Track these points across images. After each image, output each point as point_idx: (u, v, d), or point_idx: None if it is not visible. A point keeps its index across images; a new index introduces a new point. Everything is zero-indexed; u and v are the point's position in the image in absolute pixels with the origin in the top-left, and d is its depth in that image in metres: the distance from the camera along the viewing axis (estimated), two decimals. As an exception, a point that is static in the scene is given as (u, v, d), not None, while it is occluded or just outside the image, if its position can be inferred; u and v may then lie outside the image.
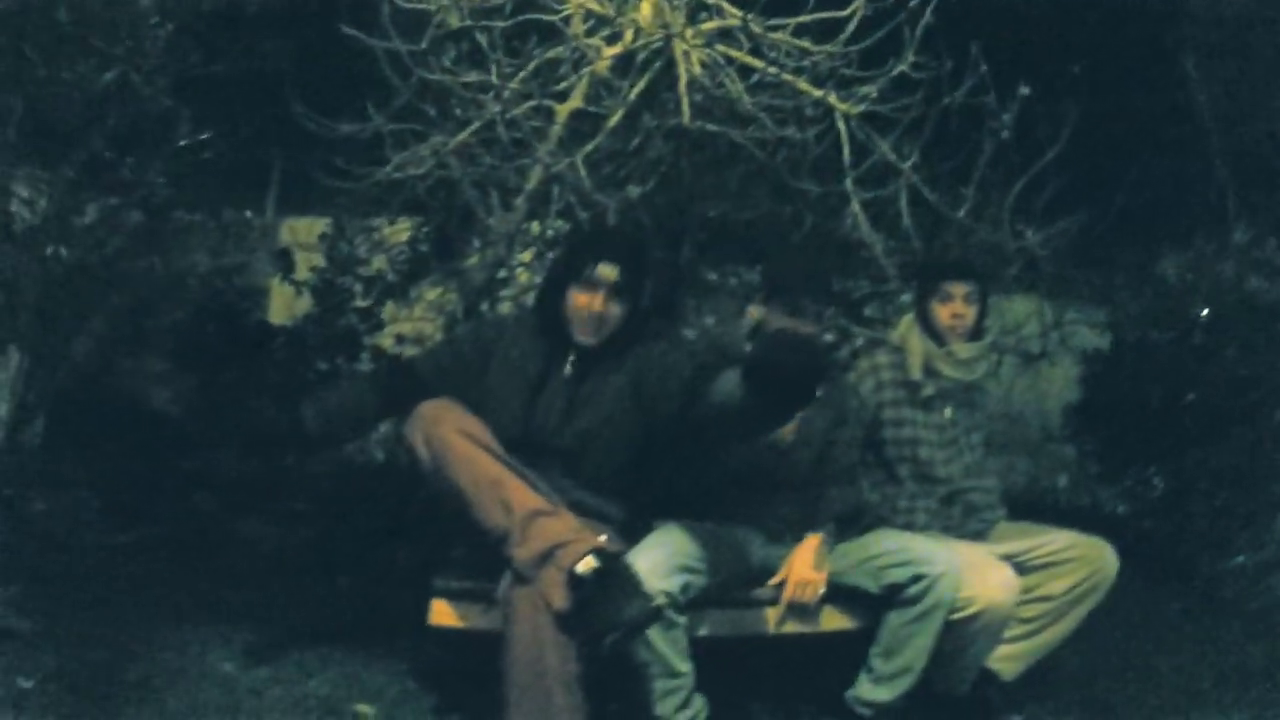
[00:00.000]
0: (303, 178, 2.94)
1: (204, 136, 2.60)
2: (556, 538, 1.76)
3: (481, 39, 2.30)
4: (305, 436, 2.09)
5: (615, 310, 2.01)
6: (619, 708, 2.05)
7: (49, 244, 2.32)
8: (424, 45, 2.27)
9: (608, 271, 1.98)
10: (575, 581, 1.70)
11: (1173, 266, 3.24)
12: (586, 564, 1.70)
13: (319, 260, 3.37)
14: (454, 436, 1.83)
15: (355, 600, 2.75)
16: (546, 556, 1.74)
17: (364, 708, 2.20)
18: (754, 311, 2.26)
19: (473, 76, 2.33)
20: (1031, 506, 3.92)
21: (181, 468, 2.85)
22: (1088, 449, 3.57)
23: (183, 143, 2.47)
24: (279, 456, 2.77)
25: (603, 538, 1.82)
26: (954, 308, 2.41)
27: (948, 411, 2.44)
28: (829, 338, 2.50)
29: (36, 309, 2.35)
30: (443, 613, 2.04)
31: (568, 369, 2.06)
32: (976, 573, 2.09)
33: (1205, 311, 3.18)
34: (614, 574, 1.70)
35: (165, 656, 2.33)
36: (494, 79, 2.29)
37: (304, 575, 2.84)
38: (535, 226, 3.12)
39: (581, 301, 2.00)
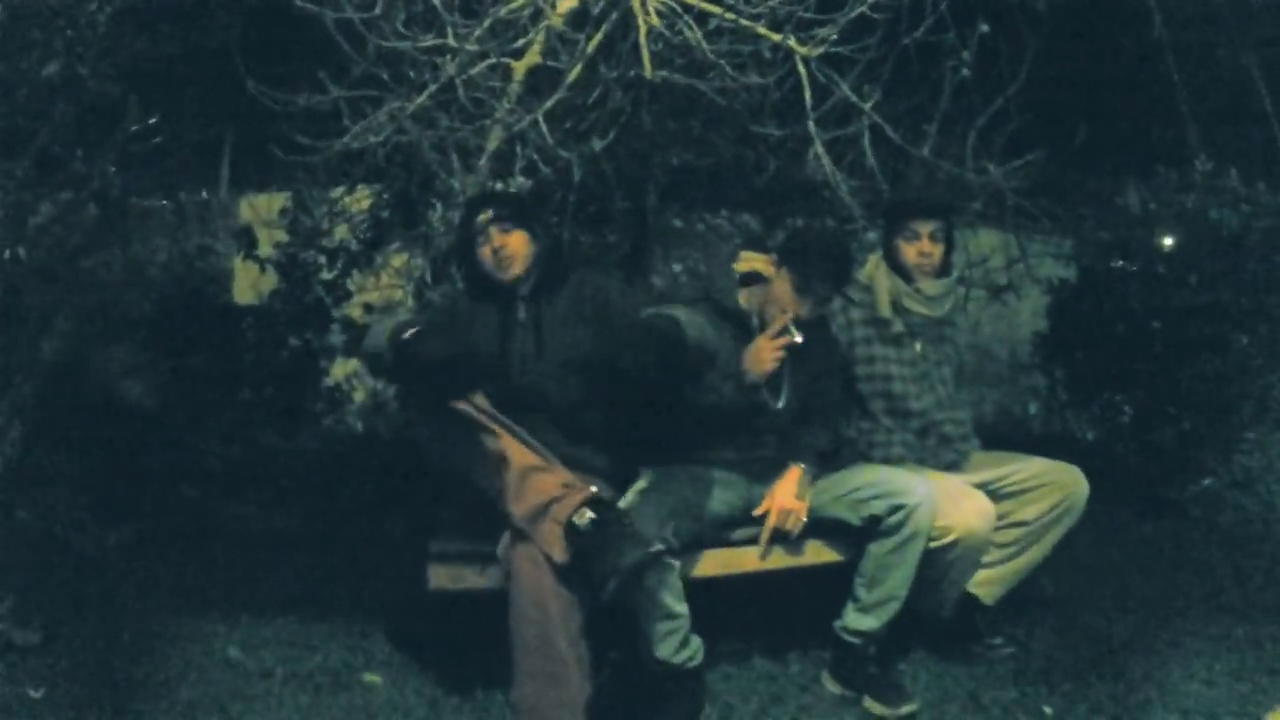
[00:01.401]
0: (257, 153, 2.92)
1: (152, 121, 2.58)
2: (551, 492, 1.83)
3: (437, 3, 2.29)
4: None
5: (514, 239, 2.20)
6: (619, 654, 2.16)
7: (6, 247, 2.30)
8: (377, 10, 2.26)
9: (487, 214, 2.21)
10: (573, 533, 1.78)
11: (1136, 197, 3.32)
12: (583, 515, 1.79)
13: (281, 235, 3.36)
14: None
15: (351, 572, 2.81)
16: (543, 510, 1.82)
17: (371, 677, 2.29)
18: (762, 264, 2.29)
19: (429, 40, 2.33)
20: (1004, 435, 4.07)
21: (163, 459, 2.88)
22: (1057, 377, 3.70)
23: (134, 128, 2.44)
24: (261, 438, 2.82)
25: (594, 488, 1.90)
26: (921, 246, 2.48)
27: (918, 346, 2.52)
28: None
29: (1, 313, 2.35)
30: (441, 576, 2.11)
31: (521, 316, 2.21)
32: (952, 502, 2.19)
33: (1169, 241, 3.29)
34: (611, 523, 1.78)
35: (171, 650, 2.39)
36: (450, 41, 2.29)
37: (297, 553, 2.90)
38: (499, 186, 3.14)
39: (485, 252, 2.21)
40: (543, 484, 1.85)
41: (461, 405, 1.92)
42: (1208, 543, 3.21)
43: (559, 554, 1.79)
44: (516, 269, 2.21)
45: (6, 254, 2.36)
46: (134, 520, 2.80)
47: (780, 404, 2.27)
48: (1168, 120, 3.52)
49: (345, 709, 2.16)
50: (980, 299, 3.37)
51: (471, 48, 2.37)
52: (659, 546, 1.85)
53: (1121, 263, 3.32)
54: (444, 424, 1.92)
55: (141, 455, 2.82)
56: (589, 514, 1.79)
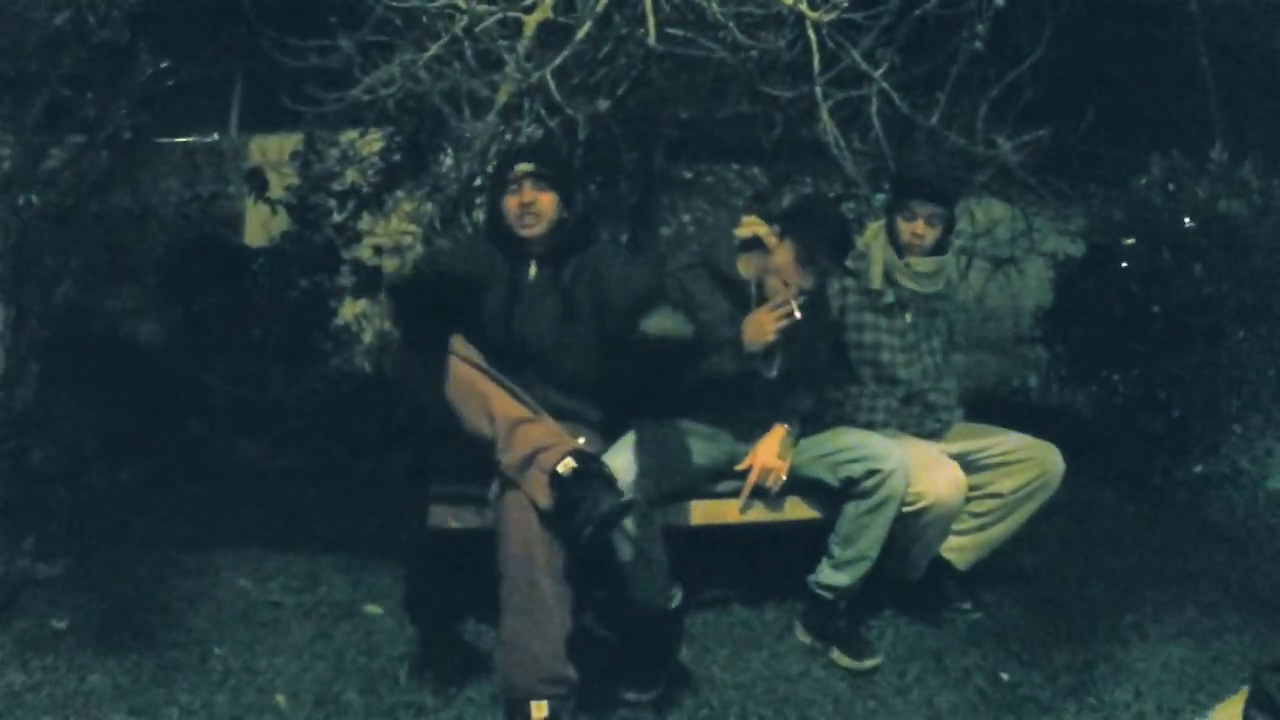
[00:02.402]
0: (268, 95, 2.99)
1: (163, 65, 2.65)
2: (538, 442, 1.96)
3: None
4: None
5: (544, 199, 2.23)
6: (605, 594, 2.30)
7: (20, 192, 2.39)
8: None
9: (524, 167, 2.24)
10: (556, 481, 1.91)
11: (1149, 178, 3.32)
12: (566, 465, 1.92)
13: (292, 178, 3.45)
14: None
15: (355, 508, 2.98)
16: (530, 460, 1.95)
17: (373, 608, 2.46)
18: (763, 230, 2.33)
19: (440, 1, 2.38)
20: (1003, 404, 4.17)
21: (174, 397, 3.01)
22: (1058, 352, 3.76)
23: (146, 74, 2.51)
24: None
25: (581, 440, 2.03)
26: (916, 227, 2.52)
27: (908, 317, 2.60)
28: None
29: (15, 260, 2.45)
30: (440, 515, 2.26)
31: (532, 275, 2.28)
32: (926, 470, 2.30)
33: (1131, 240, 3.29)
34: (589, 474, 1.91)
35: (184, 582, 2.56)
36: (460, 2, 2.35)
37: (303, 489, 3.06)
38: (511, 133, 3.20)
39: (512, 203, 2.24)
40: (530, 435, 1.98)
41: (455, 358, 2.04)
42: (1189, 532, 3.27)
43: (543, 500, 1.93)
44: (539, 229, 2.24)
45: (21, 200, 2.46)
46: (144, 458, 2.95)
47: (774, 373, 2.35)
48: (1190, 103, 3.48)
49: (348, 637, 2.34)
50: (984, 270, 3.42)
51: (481, 7, 2.41)
52: (631, 496, 1.97)
53: (1129, 243, 3.33)
54: (438, 375, 2.03)
55: (152, 394, 2.95)
56: (572, 464, 1.92)
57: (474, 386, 2.03)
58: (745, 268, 2.38)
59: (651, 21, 2.35)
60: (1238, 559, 3.07)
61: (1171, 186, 3.36)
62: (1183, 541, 3.18)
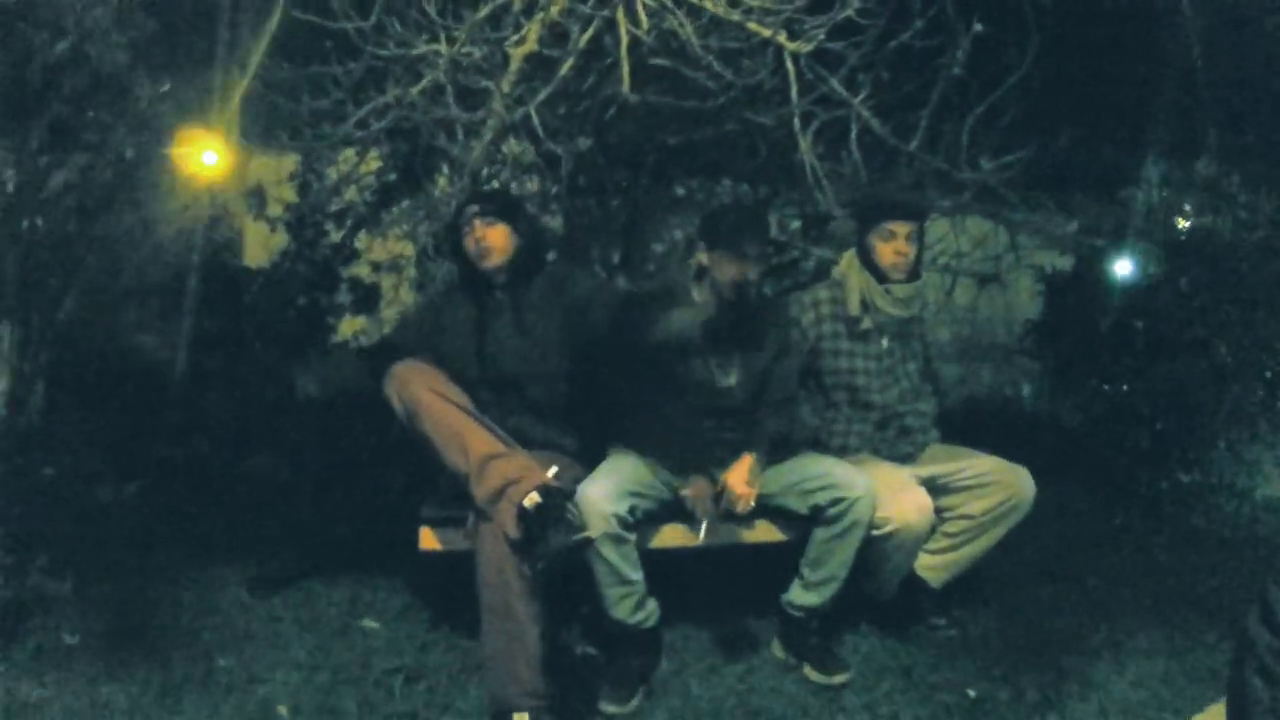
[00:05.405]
0: (265, 113, 3.16)
1: (164, 89, 2.81)
2: (508, 476, 2.14)
3: (429, 8, 2.49)
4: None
5: (493, 233, 2.52)
6: (589, 609, 2.47)
7: (24, 217, 2.55)
8: (371, 21, 2.47)
9: (474, 208, 2.55)
10: (522, 514, 2.09)
11: (1136, 193, 3.42)
12: (531, 499, 2.10)
13: (291, 196, 3.61)
14: (422, 393, 2.23)
15: (352, 525, 3.15)
16: (500, 493, 2.13)
17: (370, 622, 2.65)
18: (701, 257, 2.53)
19: (422, 48, 2.54)
20: (996, 413, 4.29)
21: (176, 414, 3.19)
22: (1047, 362, 3.88)
23: (143, 104, 2.67)
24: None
25: (552, 471, 2.21)
26: (896, 245, 2.65)
27: (884, 341, 2.73)
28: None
29: (20, 281, 2.61)
30: (429, 539, 2.45)
31: (498, 303, 2.55)
32: (894, 495, 2.44)
33: (1184, 224, 3.39)
34: (553, 508, 2.08)
35: (190, 596, 2.76)
36: (441, 48, 2.50)
37: (302, 504, 3.25)
38: (507, 149, 3.36)
39: (470, 242, 2.53)
40: (501, 469, 2.15)
41: (432, 395, 2.22)
42: (1174, 542, 3.36)
43: (513, 532, 2.11)
44: (495, 259, 2.53)
45: (24, 224, 2.62)
46: (147, 474, 3.14)
47: (730, 381, 2.52)
48: (1181, 116, 3.57)
49: (347, 650, 2.52)
50: (970, 286, 3.54)
51: (465, 52, 2.57)
52: (586, 534, 2.15)
53: (1117, 257, 3.45)
54: (415, 412, 2.23)
55: (155, 411, 3.13)
56: (536, 498, 2.10)
57: (450, 423, 2.22)
58: (699, 294, 2.55)
59: (625, 70, 2.49)
60: (1220, 571, 3.16)
61: (1165, 193, 3.46)
62: (1166, 553, 3.28)
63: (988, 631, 2.74)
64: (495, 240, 2.52)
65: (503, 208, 2.56)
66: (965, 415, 3.12)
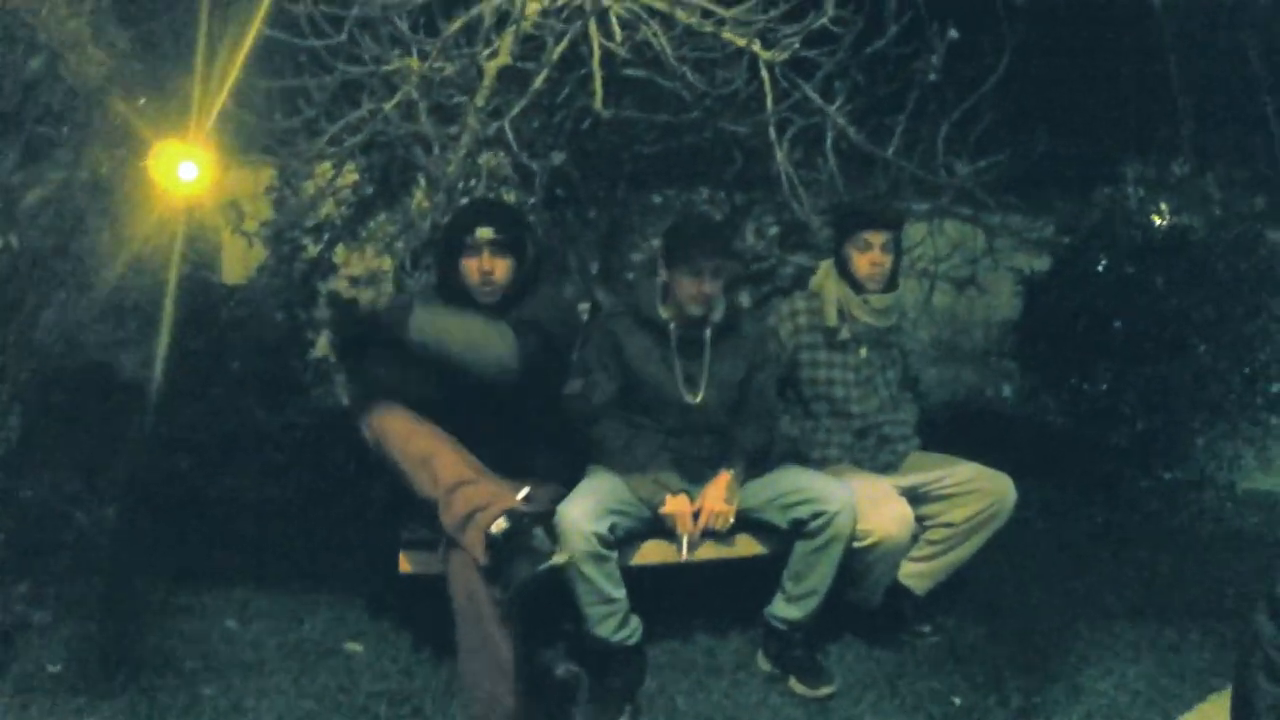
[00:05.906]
0: (239, 128, 3.14)
1: (141, 102, 2.78)
2: (476, 503, 2.13)
3: (401, 24, 2.47)
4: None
5: (501, 265, 2.35)
6: (572, 628, 2.47)
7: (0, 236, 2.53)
8: (343, 37, 2.45)
9: (485, 234, 2.33)
10: (490, 540, 2.09)
11: (1109, 194, 3.44)
12: (498, 525, 2.09)
13: (267, 211, 3.58)
14: (392, 422, 2.20)
15: (335, 547, 3.14)
16: (468, 520, 2.12)
17: (354, 646, 2.64)
18: (662, 274, 2.53)
19: (395, 64, 2.52)
20: (977, 415, 4.32)
21: (157, 433, 3.17)
22: (1027, 363, 3.90)
23: (119, 119, 2.65)
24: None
25: (522, 494, 2.19)
26: (872, 256, 2.66)
27: (863, 351, 2.74)
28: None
29: None
30: (409, 562, 2.44)
31: (481, 323, 2.36)
32: (874, 507, 2.45)
33: (1160, 222, 3.42)
34: (520, 534, 2.08)
35: (173, 622, 2.73)
36: (413, 64, 2.49)
37: (285, 524, 3.23)
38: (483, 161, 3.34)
39: (472, 267, 2.35)
40: (469, 496, 2.14)
41: (403, 418, 2.21)
42: (1158, 540, 3.38)
43: (481, 558, 2.10)
44: (494, 295, 2.37)
45: (0, 243, 2.59)
46: (128, 494, 3.12)
47: (698, 398, 2.52)
48: (1157, 115, 3.60)
49: (331, 675, 2.51)
50: (948, 290, 3.55)
51: (438, 65, 2.55)
52: (553, 562, 2.13)
53: (1095, 258, 3.47)
54: (383, 440, 2.22)
55: (135, 430, 3.10)
56: (504, 524, 2.08)
57: (418, 449, 2.21)
58: (664, 310, 2.55)
59: (598, 85, 2.49)
60: (1205, 568, 3.19)
61: (1140, 191, 3.48)
62: (1149, 551, 3.31)
63: (974, 638, 2.76)
64: (501, 274, 2.36)
65: (516, 238, 2.37)
66: (947, 418, 3.13)
